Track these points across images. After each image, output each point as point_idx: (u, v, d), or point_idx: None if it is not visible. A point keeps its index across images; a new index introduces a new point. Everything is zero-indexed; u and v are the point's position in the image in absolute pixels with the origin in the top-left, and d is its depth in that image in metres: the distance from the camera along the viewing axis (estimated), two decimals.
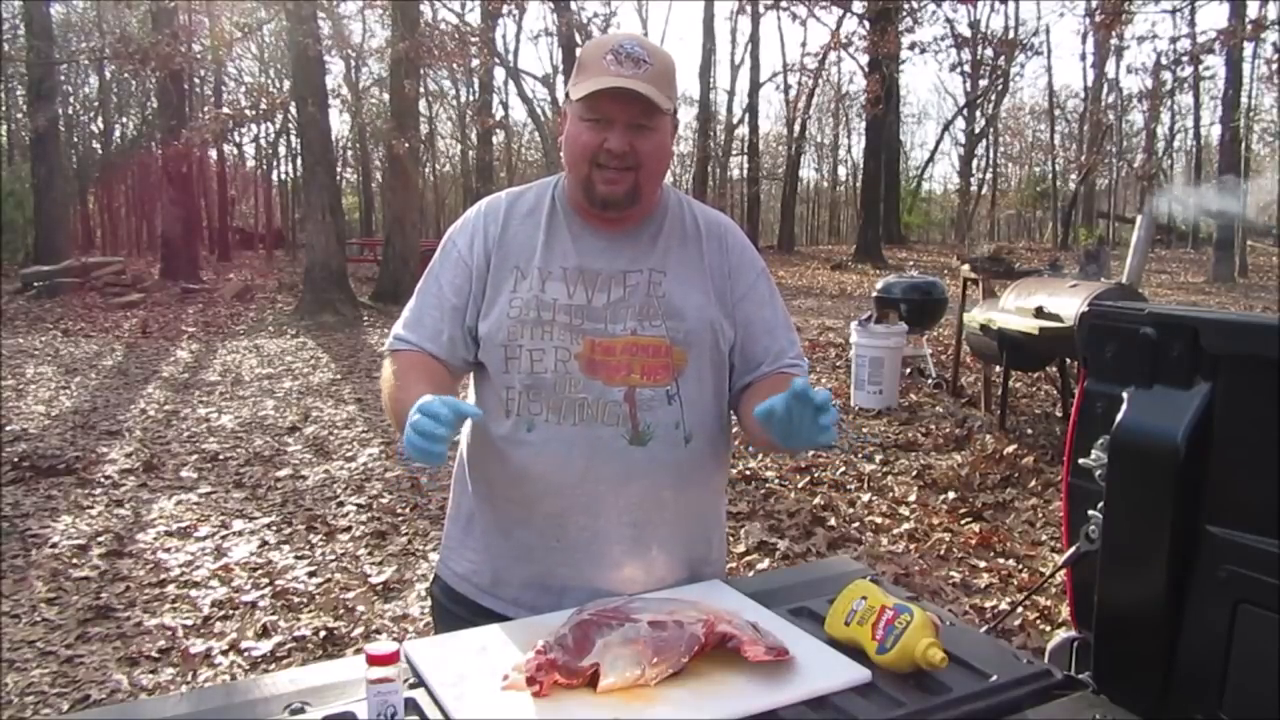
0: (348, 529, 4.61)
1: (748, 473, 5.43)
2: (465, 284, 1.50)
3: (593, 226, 1.52)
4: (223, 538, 4.49)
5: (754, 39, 29.56)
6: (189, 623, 3.57)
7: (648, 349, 1.46)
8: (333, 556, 4.25)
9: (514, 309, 1.47)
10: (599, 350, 1.45)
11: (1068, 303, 5.53)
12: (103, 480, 5.41)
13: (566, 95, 1.49)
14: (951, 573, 4.03)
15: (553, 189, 1.56)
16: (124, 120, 34.11)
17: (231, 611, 3.67)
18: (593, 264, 1.49)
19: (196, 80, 24.91)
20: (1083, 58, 32.59)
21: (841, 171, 44.03)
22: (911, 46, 23.00)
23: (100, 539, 4.44)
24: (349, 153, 34.45)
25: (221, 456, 5.96)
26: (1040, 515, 4.76)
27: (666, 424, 1.48)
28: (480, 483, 1.55)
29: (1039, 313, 5.71)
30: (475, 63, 18.66)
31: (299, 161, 20.99)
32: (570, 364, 1.45)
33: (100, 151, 33.09)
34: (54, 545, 4.36)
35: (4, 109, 27.61)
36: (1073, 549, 1.33)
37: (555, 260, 1.49)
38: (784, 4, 22.80)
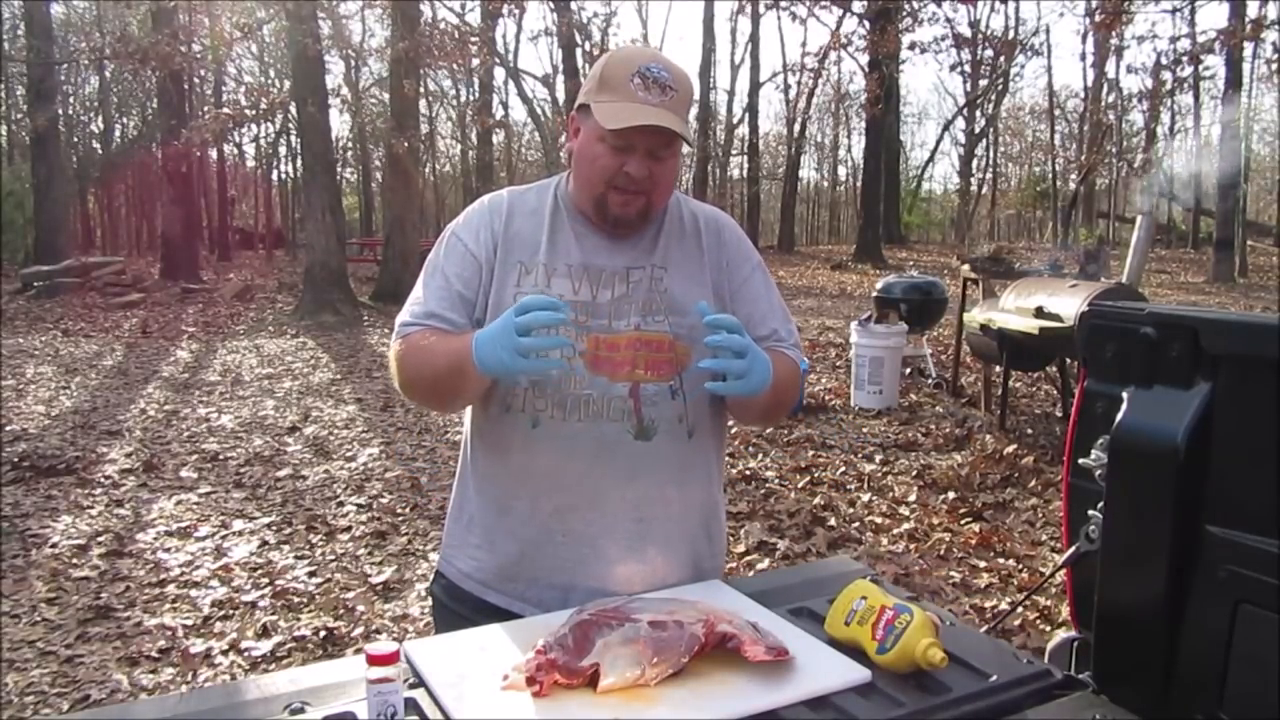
0: (348, 529, 4.61)
1: (748, 473, 5.43)
2: (474, 276, 1.50)
3: (595, 226, 1.53)
4: (223, 538, 4.49)
5: (754, 39, 29.57)
6: (189, 623, 3.57)
7: (651, 344, 1.47)
8: (333, 556, 4.25)
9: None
10: (604, 346, 1.46)
11: (1068, 303, 5.53)
12: (103, 480, 5.41)
13: (584, 105, 1.46)
14: (951, 573, 4.03)
15: (554, 189, 1.57)
16: (124, 120, 34.13)
17: (231, 611, 3.67)
18: (596, 261, 1.50)
19: (196, 80, 24.90)
20: (1083, 58, 32.59)
21: (841, 171, 44.04)
22: (911, 46, 23.01)
23: (100, 539, 4.44)
24: (349, 153, 34.46)
25: (221, 456, 5.96)
26: (1040, 515, 4.76)
27: (670, 419, 1.49)
28: (484, 479, 1.55)
29: (1039, 313, 5.71)
30: (475, 63, 18.64)
31: (299, 161, 21.01)
32: (575, 360, 1.45)
33: (100, 151, 33.08)
34: (54, 545, 4.36)
35: (4, 109, 27.61)
36: (1073, 549, 1.33)
37: (560, 257, 1.50)
38: (784, 4, 22.82)
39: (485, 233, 1.52)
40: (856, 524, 4.67)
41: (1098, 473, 1.25)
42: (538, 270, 1.49)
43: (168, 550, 4.32)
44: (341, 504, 5.00)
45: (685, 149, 1.54)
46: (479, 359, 1.33)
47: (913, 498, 5.04)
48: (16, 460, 5.66)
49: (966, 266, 8.22)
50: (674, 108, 1.42)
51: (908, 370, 8.00)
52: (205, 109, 22.98)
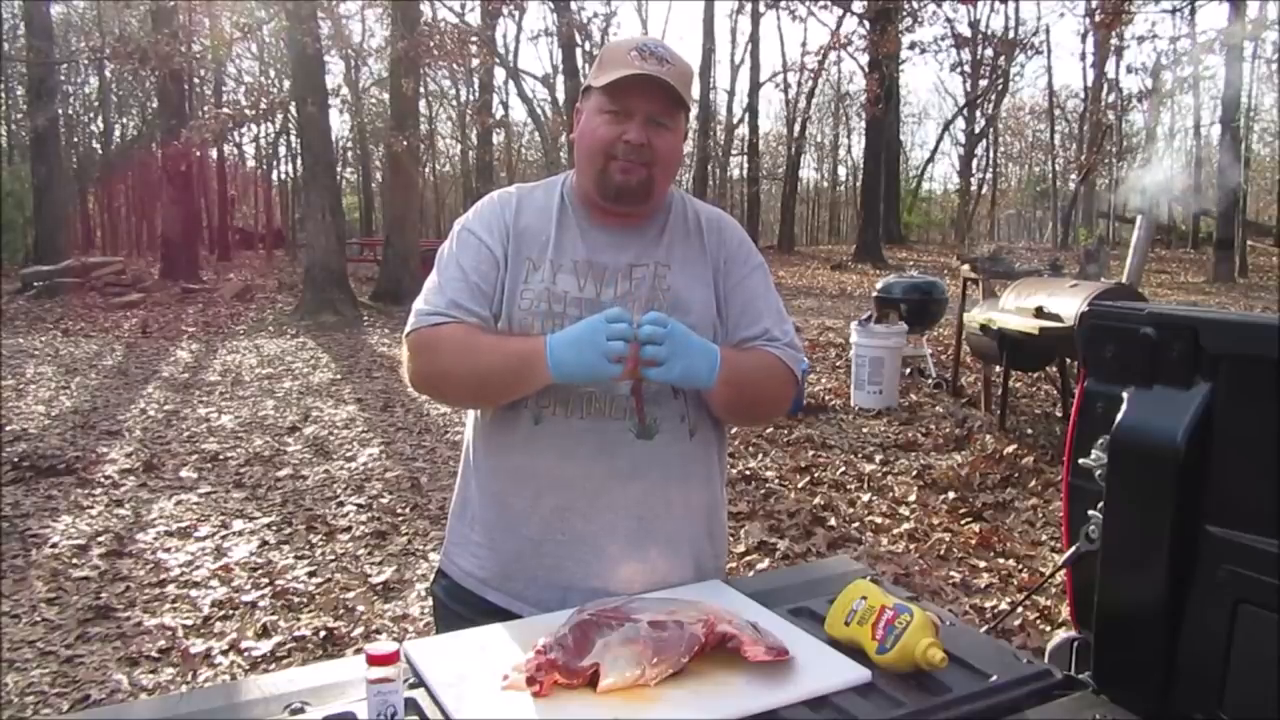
0: (348, 529, 4.61)
1: (748, 473, 5.43)
2: (491, 269, 1.49)
3: (600, 222, 1.53)
4: (223, 538, 4.49)
5: (754, 39, 29.58)
6: (189, 623, 3.57)
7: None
8: (333, 556, 4.25)
9: (525, 300, 1.47)
10: None
11: (1068, 303, 5.53)
12: (103, 480, 5.41)
13: (585, 89, 1.50)
14: (951, 573, 4.03)
15: (561, 186, 1.58)
16: (124, 120, 34.15)
17: (231, 611, 3.67)
18: (600, 257, 1.50)
19: (196, 80, 24.92)
20: (1083, 58, 32.55)
21: (841, 171, 44.04)
22: (911, 46, 23.05)
23: (100, 539, 4.44)
24: (349, 153, 34.48)
25: (221, 456, 5.96)
26: (1040, 515, 4.76)
27: (672, 417, 1.49)
28: (486, 476, 1.55)
29: (1039, 313, 5.71)
30: (475, 63, 18.64)
31: (299, 161, 21.02)
32: None
33: (100, 151, 33.11)
34: (54, 545, 4.36)
35: (4, 109, 27.61)
36: (1073, 549, 1.33)
37: (566, 253, 1.50)
38: (784, 3, 22.82)
39: (498, 225, 1.52)
40: (856, 524, 4.67)
41: (1098, 473, 1.25)
42: (545, 266, 1.49)
43: (168, 550, 4.32)
44: (341, 504, 5.00)
45: (685, 148, 1.53)
46: (556, 361, 1.35)
47: (913, 498, 5.04)
48: (16, 460, 5.65)
49: (966, 266, 8.23)
50: (671, 77, 1.43)
51: (908, 370, 8.00)
52: (205, 109, 22.98)
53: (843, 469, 5.57)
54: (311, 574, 4.03)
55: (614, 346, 1.32)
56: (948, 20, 23.92)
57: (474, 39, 15.58)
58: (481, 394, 1.51)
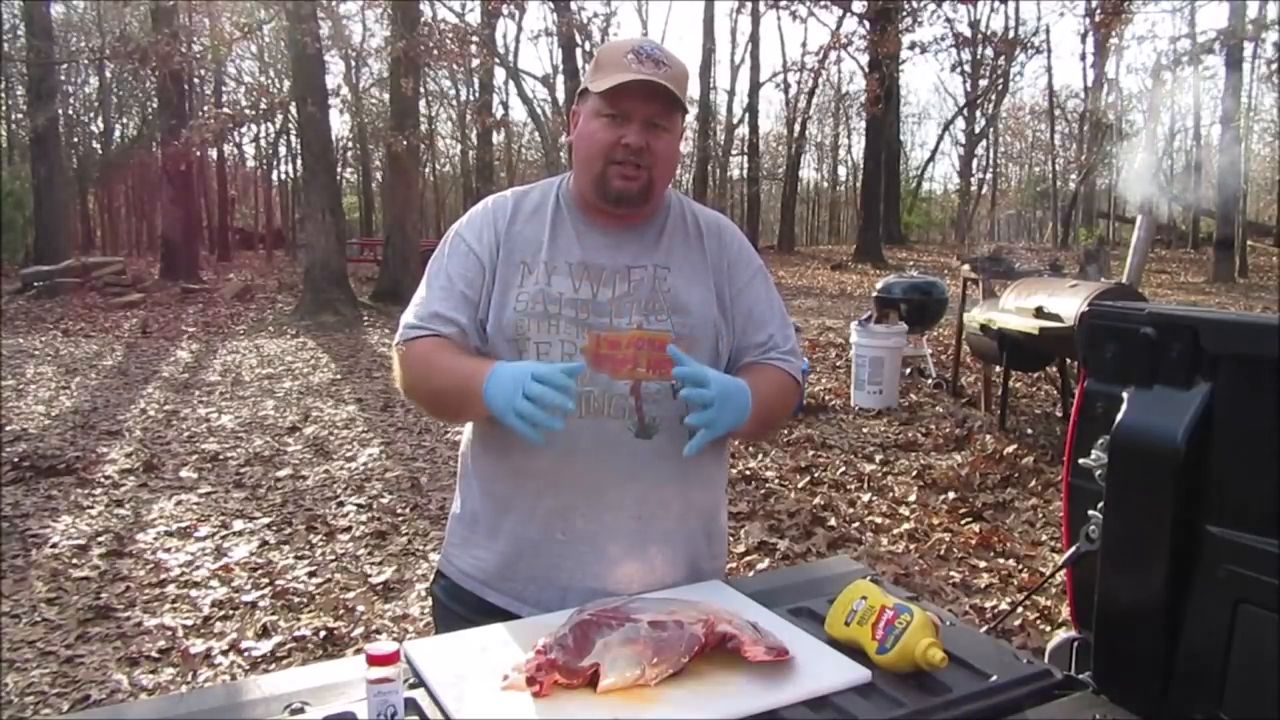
0: (348, 529, 4.61)
1: (748, 473, 5.43)
2: (477, 276, 1.50)
3: (597, 223, 1.53)
4: (223, 538, 4.49)
5: (754, 39, 29.57)
6: (189, 623, 3.57)
7: (654, 343, 1.47)
8: (333, 556, 4.25)
9: (520, 303, 1.48)
10: (605, 344, 1.47)
11: (1068, 303, 5.53)
12: (103, 480, 5.41)
13: (582, 92, 1.50)
14: (951, 573, 4.03)
15: (557, 188, 1.58)
16: (124, 120, 34.13)
17: (231, 611, 3.67)
18: (597, 259, 1.51)
19: (196, 80, 24.90)
20: (1083, 58, 32.54)
21: (841, 171, 44.02)
22: (911, 46, 23.04)
23: (100, 539, 4.44)
24: (349, 153, 34.44)
25: (221, 456, 5.96)
26: (1040, 515, 4.76)
27: (672, 417, 1.49)
28: (485, 477, 1.55)
29: (1039, 313, 5.71)
30: (475, 63, 18.64)
31: (299, 161, 21.01)
32: (576, 357, 1.45)
33: (100, 151, 33.07)
34: (54, 545, 4.36)
35: (4, 109, 27.62)
36: (1073, 549, 1.33)
37: (560, 255, 1.50)
38: (784, 3, 22.81)
39: (488, 233, 1.53)
40: (856, 524, 4.67)
41: (1098, 473, 1.25)
42: (539, 269, 1.49)
43: (168, 550, 4.32)
44: (341, 504, 5.00)
45: (685, 148, 1.54)
46: (488, 394, 1.35)
47: (913, 498, 5.04)
48: (16, 460, 5.65)
49: (966, 266, 8.24)
50: (668, 79, 1.44)
51: (908, 370, 8.00)
52: (205, 109, 22.98)
53: (843, 469, 5.57)
54: (311, 574, 4.04)
55: (522, 406, 1.29)
56: (948, 20, 23.93)
57: (474, 39, 15.57)
58: (441, 412, 1.54)
